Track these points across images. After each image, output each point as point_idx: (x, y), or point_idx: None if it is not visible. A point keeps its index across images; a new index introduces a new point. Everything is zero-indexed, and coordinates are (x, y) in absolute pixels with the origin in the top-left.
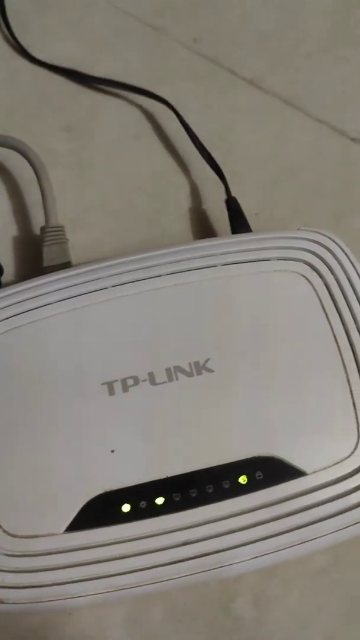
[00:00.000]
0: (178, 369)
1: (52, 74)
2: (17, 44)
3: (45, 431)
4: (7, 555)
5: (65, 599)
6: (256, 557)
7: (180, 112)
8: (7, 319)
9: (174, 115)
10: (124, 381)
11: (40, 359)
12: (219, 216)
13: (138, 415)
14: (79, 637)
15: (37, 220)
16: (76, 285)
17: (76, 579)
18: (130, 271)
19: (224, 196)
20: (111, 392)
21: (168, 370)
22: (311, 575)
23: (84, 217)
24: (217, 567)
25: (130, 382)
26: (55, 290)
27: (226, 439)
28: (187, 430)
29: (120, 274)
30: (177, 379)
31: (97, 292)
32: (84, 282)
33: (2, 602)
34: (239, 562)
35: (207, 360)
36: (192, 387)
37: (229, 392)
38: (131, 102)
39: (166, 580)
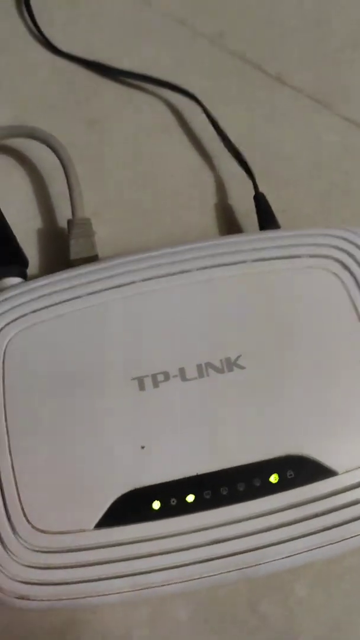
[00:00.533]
0: (209, 365)
1: (75, 67)
2: (41, 35)
3: (75, 426)
4: (34, 551)
5: (92, 596)
6: (286, 557)
7: (206, 107)
8: (35, 311)
9: (199, 110)
10: (154, 376)
11: (69, 353)
12: (245, 213)
13: (168, 411)
14: (103, 636)
15: (61, 213)
16: (105, 278)
17: (104, 576)
18: (160, 265)
19: (249, 192)
20: (141, 387)
21: (199, 366)
22: (340, 575)
23: (105, 211)
24: (247, 567)
25: (160, 377)
26: (84, 284)
27: (257, 437)
28: (218, 427)
29: (149, 268)
30: (208, 375)
31: (126, 286)
32: (113, 276)
33: (27, 599)
34: (268, 562)
35: (238, 357)
36: (223, 384)
37: (260, 389)
38: (156, 96)
39: (195, 579)
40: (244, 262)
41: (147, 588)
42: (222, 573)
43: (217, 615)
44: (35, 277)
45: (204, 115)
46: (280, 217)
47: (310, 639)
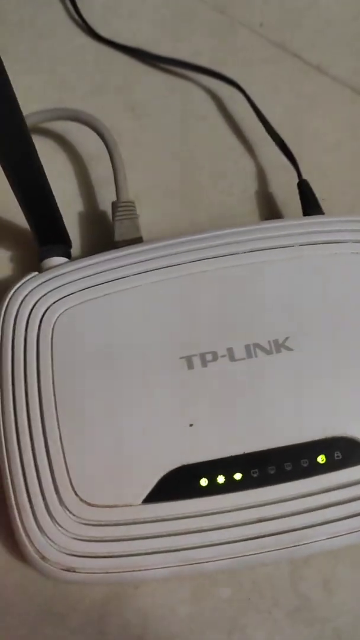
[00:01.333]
0: (257, 346)
1: (117, 53)
2: (82, 22)
3: (124, 403)
4: (82, 523)
5: (137, 570)
6: (331, 537)
7: (249, 95)
8: (83, 290)
9: (239, 98)
10: (202, 356)
11: (117, 331)
12: (286, 199)
13: (217, 391)
14: (145, 612)
15: (102, 196)
16: (153, 259)
17: (150, 551)
18: (206, 248)
19: (291, 179)
20: (190, 366)
21: (247, 347)
22: None
23: (146, 195)
24: (291, 546)
25: (209, 357)
26: (131, 264)
27: (306, 417)
28: (266, 407)
29: (196, 249)
30: (256, 355)
31: (174, 266)
32: (161, 257)
33: (73, 571)
34: (313, 542)
35: (286, 339)
36: (270, 365)
37: (308, 371)
38: (197, 83)
39: (239, 556)
40: (291, 246)
41: (192, 564)
42: (266, 551)
43: (259, 594)
44: (78, 258)
45: (244, 103)
46: (321, 204)
47: (351, 620)
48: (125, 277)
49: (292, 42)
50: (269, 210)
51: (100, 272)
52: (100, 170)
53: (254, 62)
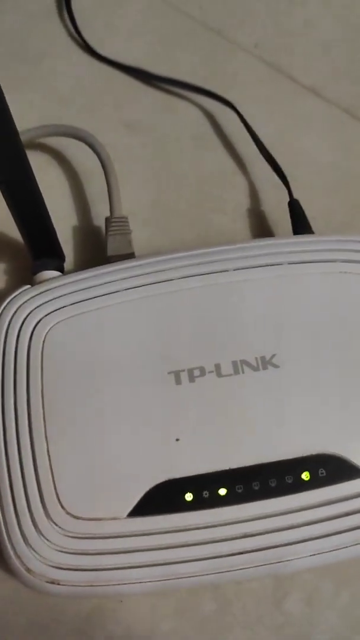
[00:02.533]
0: (244, 362)
1: (115, 71)
2: (82, 40)
3: (111, 417)
4: (67, 536)
5: (122, 584)
6: (315, 554)
7: (243, 115)
8: (73, 304)
9: (234, 117)
10: (190, 371)
11: (106, 345)
12: (277, 218)
13: (203, 406)
14: (129, 625)
15: (96, 211)
16: (143, 275)
17: (134, 564)
18: (196, 264)
19: (282, 198)
20: (177, 381)
21: (234, 363)
22: None
23: (140, 212)
24: (275, 562)
25: (196, 372)
26: (122, 279)
27: (290, 434)
28: (251, 423)
29: (186, 266)
30: (243, 372)
31: (163, 282)
32: (151, 273)
33: (58, 584)
34: (297, 559)
35: (273, 356)
36: (257, 381)
37: (294, 388)
38: (192, 102)
39: (223, 572)
40: (280, 264)
41: (177, 578)
42: (250, 567)
43: (243, 609)
44: (71, 272)
45: (238, 122)
46: (311, 224)
47: (334, 637)
48: (116, 291)
49: (286, 63)
50: (261, 228)
51: (92, 287)
52: (96, 186)
53: (248, 83)
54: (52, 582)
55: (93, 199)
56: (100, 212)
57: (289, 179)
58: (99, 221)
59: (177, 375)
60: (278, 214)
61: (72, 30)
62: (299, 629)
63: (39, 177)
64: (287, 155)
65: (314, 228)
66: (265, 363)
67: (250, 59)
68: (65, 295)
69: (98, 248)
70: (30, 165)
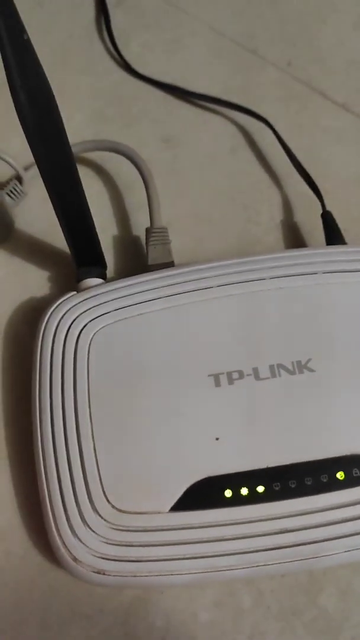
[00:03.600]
0: (281, 366)
1: (152, 88)
2: (120, 58)
3: (154, 417)
4: (113, 528)
5: (164, 575)
6: (349, 550)
7: (277, 130)
8: (117, 309)
9: (267, 132)
10: (229, 374)
11: (149, 349)
12: (311, 229)
13: (242, 407)
14: (169, 616)
15: (136, 222)
16: (183, 282)
17: (176, 556)
18: (235, 273)
19: (315, 210)
20: (217, 383)
21: (271, 367)
22: None
23: (176, 223)
24: (311, 558)
25: (235, 375)
26: (163, 287)
27: (326, 435)
28: (288, 424)
29: (224, 275)
30: (280, 375)
31: (203, 290)
32: (190, 281)
33: (104, 574)
34: (332, 554)
35: (308, 360)
36: (294, 384)
37: (329, 391)
38: (227, 118)
39: (262, 565)
40: (315, 273)
41: (215, 571)
42: (286, 562)
43: (278, 603)
44: (112, 280)
45: (272, 137)
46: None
47: None
48: (157, 298)
49: (318, 80)
50: (294, 239)
51: (134, 294)
52: (135, 198)
53: (282, 99)
54: (98, 572)
55: (132, 210)
56: (139, 223)
57: (321, 191)
58: (139, 231)
59: (216, 378)
60: (310, 226)
61: (112, 49)
62: (332, 623)
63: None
64: (318, 168)
65: (346, 239)
66: (301, 367)
67: (283, 76)
68: (109, 301)
69: (137, 257)
70: (79, 178)
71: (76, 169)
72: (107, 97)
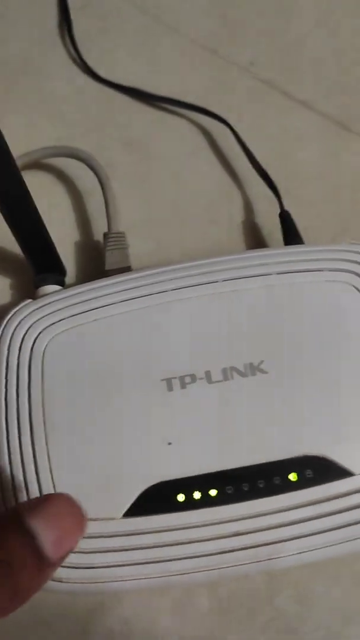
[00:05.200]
0: (233, 369)
1: (114, 92)
2: (82, 62)
3: (107, 423)
4: None
5: (120, 580)
6: (303, 552)
7: (236, 130)
8: (73, 316)
9: (229, 133)
10: (182, 378)
11: (103, 355)
12: (271, 229)
13: (194, 411)
14: (128, 621)
15: (96, 227)
16: (138, 287)
17: (130, 562)
18: (189, 276)
19: (275, 210)
20: (170, 388)
21: (224, 370)
22: (355, 574)
23: (138, 227)
24: (266, 559)
25: (187, 379)
26: (118, 292)
27: (278, 437)
28: (241, 427)
29: (180, 278)
30: (232, 378)
31: (158, 294)
32: (145, 285)
33: (60, 581)
34: (286, 556)
35: (261, 362)
36: (246, 387)
37: (281, 392)
38: (189, 120)
39: (216, 568)
40: (268, 274)
41: (170, 575)
42: (242, 564)
43: (236, 605)
44: (72, 285)
45: (233, 138)
46: (302, 234)
47: (324, 633)
48: (112, 304)
49: (280, 79)
50: (255, 239)
51: (89, 300)
52: (97, 202)
53: (244, 99)
54: (55, 580)
55: (94, 215)
56: (100, 228)
57: (283, 191)
58: (99, 236)
59: (169, 382)
60: (272, 226)
61: (74, 53)
62: (290, 624)
63: (42, 196)
64: (281, 168)
65: (306, 238)
66: (254, 369)
67: (245, 76)
68: (63, 308)
69: (98, 262)
70: (24, 183)
71: (19, 172)
72: (69, 102)
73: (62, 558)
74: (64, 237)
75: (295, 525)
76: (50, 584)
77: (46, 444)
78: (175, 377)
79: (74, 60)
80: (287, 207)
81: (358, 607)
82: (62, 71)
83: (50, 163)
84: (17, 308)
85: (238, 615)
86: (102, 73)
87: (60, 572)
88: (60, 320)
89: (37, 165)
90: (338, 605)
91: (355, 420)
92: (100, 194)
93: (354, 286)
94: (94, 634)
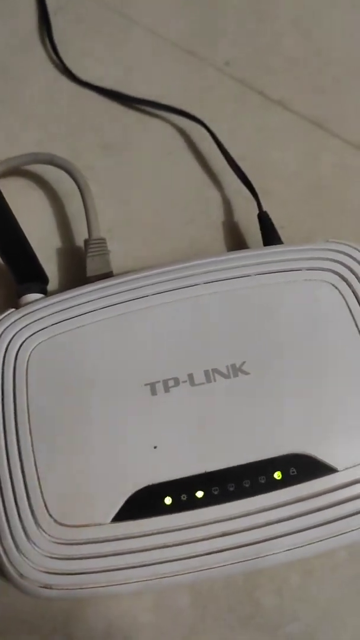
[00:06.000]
0: (216, 371)
1: (93, 94)
2: (61, 64)
3: (93, 429)
4: (56, 542)
5: (110, 585)
6: (290, 549)
7: (213, 131)
8: (55, 324)
9: (206, 134)
10: (165, 382)
11: (87, 361)
12: (249, 229)
13: (179, 414)
14: (109, 621)
15: (78, 231)
16: (119, 293)
17: (120, 566)
18: (169, 280)
19: (253, 210)
20: (153, 392)
21: (207, 372)
22: (332, 567)
23: (118, 230)
24: (254, 558)
25: (171, 383)
26: (99, 298)
27: (261, 436)
28: (225, 428)
29: (160, 282)
30: (215, 380)
31: (139, 299)
32: (127, 290)
33: (50, 588)
34: (274, 554)
35: (243, 363)
36: (229, 388)
37: (263, 393)
38: (166, 121)
39: (204, 569)
40: (247, 275)
41: (160, 578)
42: (229, 564)
43: (216, 601)
44: (54, 292)
45: (210, 139)
46: (280, 233)
47: (302, 627)
48: (94, 310)
49: (255, 79)
50: (235, 240)
51: (72, 307)
52: (77, 207)
53: (220, 99)
54: (45, 587)
55: (74, 220)
56: (81, 233)
57: (260, 190)
58: (81, 241)
59: (152, 387)
60: (251, 225)
61: (54, 56)
62: (269, 619)
63: (21, 203)
64: (258, 167)
65: (284, 237)
66: (236, 370)
67: (221, 77)
68: (46, 316)
69: (80, 268)
70: (5, 202)
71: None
72: (48, 106)
73: None
74: (45, 243)
75: (282, 523)
76: (39, 590)
77: (33, 451)
78: (158, 381)
79: (53, 63)
80: (264, 206)
81: (335, 600)
82: (40, 74)
83: (28, 169)
84: (0, 318)
85: (216, 610)
86: (80, 75)
87: (49, 579)
88: (43, 329)
89: (14, 172)
90: (315, 598)
91: (337, 417)
92: (79, 199)
93: (332, 284)
94: (75, 632)
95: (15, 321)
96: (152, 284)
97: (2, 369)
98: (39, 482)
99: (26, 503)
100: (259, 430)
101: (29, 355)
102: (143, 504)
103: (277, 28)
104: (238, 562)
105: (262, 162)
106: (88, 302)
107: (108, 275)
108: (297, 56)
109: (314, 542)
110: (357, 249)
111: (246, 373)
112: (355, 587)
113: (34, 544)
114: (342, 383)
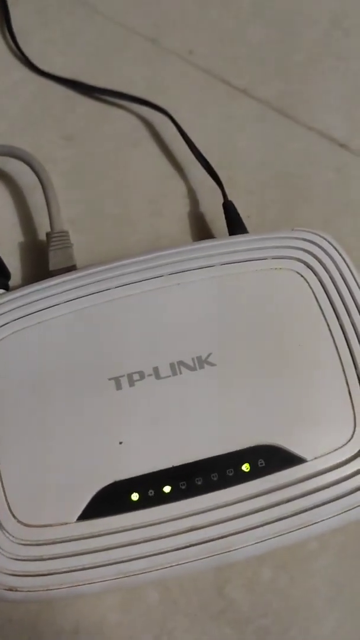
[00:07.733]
0: (181, 363)
1: (54, 84)
2: (21, 54)
3: (57, 426)
4: (21, 544)
5: (77, 585)
6: (260, 541)
7: (177, 121)
8: (17, 319)
9: (171, 124)
10: (130, 376)
11: (50, 357)
12: (215, 218)
13: (144, 408)
14: (78, 620)
15: (41, 224)
16: (82, 286)
17: (88, 566)
18: (133, 272)
19: (219, 200)
20: (118, 386)
21: (172, 365)
22: (302, 559)
23: (81, 221)
24: (223, 552)
25: (136, 376)
26: (62, 292)
27: (229, 429)
28: (191, 421)
29: (123, 275)
30: (180, 373)
31: (102, 292)
32: (90, 284)
33: (15, 590)
34: (243, 547)
35: (209, 355)
36: (195, 380)
37: (230, 384)
38: (130, 111)
39: (174, 565)
40: (212, 265)
41: (128, 576)
42: (198, 559)
43: (185, 597)
44: (17, 287)
45: (174, 128)
46: (246, 222)
47: (275, 620)
48: (56, 304)
49: (219, 67)
50: (200, 230)
51: (34, 301)
52: (39, 200)
53: (184, 88)
54: (10, 590)
55: (37, 213)
56: (44, 223)
57: (225, 179)
58: (43, 235)
59: (117, 381)
60: (216, 215)
61: (13, 46)
62: (240, 613)
63: None
64: (223, 156)
65: (250, 227)
66: (202, 362)
67: (185, 66)
68: (8, 311)
69: (43, 262)
70: None
71: None
72: (8, 96)
73: None
74: (6, 237)
75: (252, 515)
76: (4, 593)
77: None
78: (123, 375)
79: (13, 53)
80: (229, 195)
81: (307, 591)
82: (0, 65)
83: None
84: None
85: (187, 606)
86: (41, 65)
87: (14, 581)
88: (5, 324)
89: None
90: (286, 591)
91: (304, 407)
92: (41, 191)
93: (298, 273)
94: (43, 634)
95: None
96: (116, 277)
97: None
98: (1, 482)
99: None
100: (225, 422)
101: None
102: (109, 501)
103: (240, 16)
104: (208, 557)
105: (227, 151)
106: (51, 295)
107: (71, 268)
108: (261, 44)
109: (284, 533)
110: (323, 237)
111: (212, 365)
112: (328, 577)
113: None
114: (309, 372)
